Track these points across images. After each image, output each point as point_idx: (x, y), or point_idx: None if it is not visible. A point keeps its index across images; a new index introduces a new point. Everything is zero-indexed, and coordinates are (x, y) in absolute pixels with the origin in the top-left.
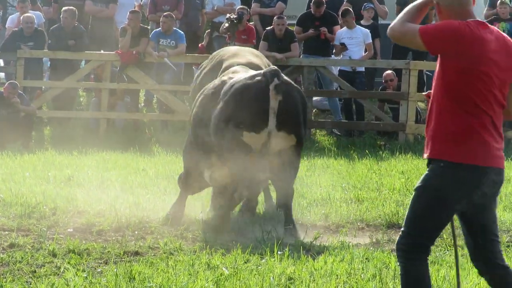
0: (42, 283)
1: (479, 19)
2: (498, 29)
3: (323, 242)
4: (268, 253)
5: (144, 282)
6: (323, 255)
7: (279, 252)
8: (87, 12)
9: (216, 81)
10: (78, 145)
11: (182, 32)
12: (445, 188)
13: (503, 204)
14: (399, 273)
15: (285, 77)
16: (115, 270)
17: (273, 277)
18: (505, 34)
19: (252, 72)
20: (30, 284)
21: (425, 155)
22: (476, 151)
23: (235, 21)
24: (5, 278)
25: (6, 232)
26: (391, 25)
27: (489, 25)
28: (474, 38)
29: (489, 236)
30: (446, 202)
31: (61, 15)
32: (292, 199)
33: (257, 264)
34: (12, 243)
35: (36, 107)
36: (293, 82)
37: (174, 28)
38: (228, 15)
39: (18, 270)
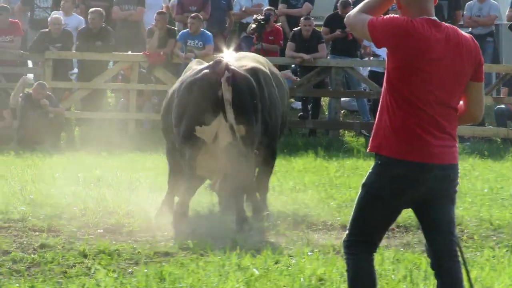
0: (73, 283)
1: (434, 18)
2: (458, 30)
3: None
4: (299, 254)
5: (175, 283)
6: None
7: (309, 253)
8: (115, 19)
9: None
10: (106, 146)
11: (209, 33)
12: (380, 185)
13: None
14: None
15: (234, 67)
16: (146, 270)
17: (303, 278)
18: (466, 35)
19: (202, 66)
20: (61, 284)
21: (368, 149)
22: (412, 147)
23: (262, 22)
24: (36, 278)
25: (37, 233)
26: (348, 13)
27: (444, 24)
28: (415, 36)
29: (441, 234)
30: (382, 198)
31: (89, 16)
32: (240, 191)
33: (287, 265)
34: (43, 244)
35: (65, 108)
36: (242, 72)
37: (202, 29)
38: (255, 16)
39: (49, 270)
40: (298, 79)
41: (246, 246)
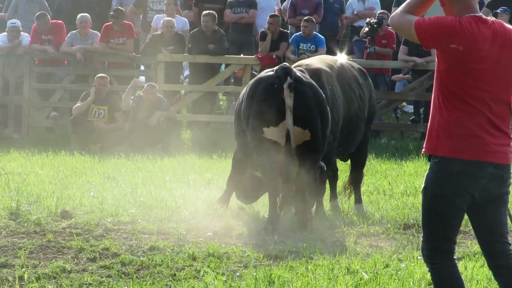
0: (182, 286)
1: (479, 14)
2: (503, 24)
3: (464, 248)
4: (408, 258)
5: (284, 286)
6: (463, 260)
7: (419, 257)
8: (227, 21)
9: None
10: (218, 148)
11: (322, 37)
12: (440, 184)
13: None
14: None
15: (297, 74)
16: (255, 273)
17: (412, 282)
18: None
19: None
20: (170, 287)
21: (422, 151)
22: (466, 146)
23: (375, 26)
24: (145, 281)
25: (147, 236)
26: (391, 14)
27: (491, 20)
28: (462, 36)
29: (492, 235)
30: (444, 197)
31: (202, 19)
32: (303, 194)
33: (396, 269)
34: (152, 246)
35: (176, 111)
36: (305, 78)
37: (314, 32)
38: (368, 19)
39: (158, 273)
40: (410, 76)
41: (355, 250)
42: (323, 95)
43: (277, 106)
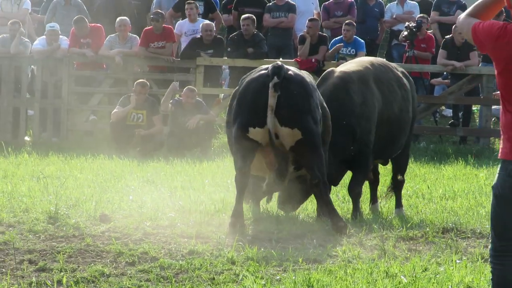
0: None
1: None
2: None
3: None
4: (447, 262)
5: None
6: None
7: (457, 261)
8: (266, 26)
9: None
10: None
11: (362, 41)
12: (501, 184)
13: None
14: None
15: (289, 71)
16: (294, 277)
17: (451, 286)
18: None
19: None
20: None
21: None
22: None
23: (414, 29)
24: (184, 285)
25: (186, 239)
26: (459, 16)
27: None
28: (505, 40)
29: None
30: (506, 198)
31: (241, 23)
32: (323, 194)
33: (435, 273)
34: (191, 250)
35: (215, 115)
36: (297, 74)
37: (354, 36)
38: (407, 23)
39: (197, 277)
40: (449, 81)
41: (394, 253)
42: (314, 92)
43: (265, 107)
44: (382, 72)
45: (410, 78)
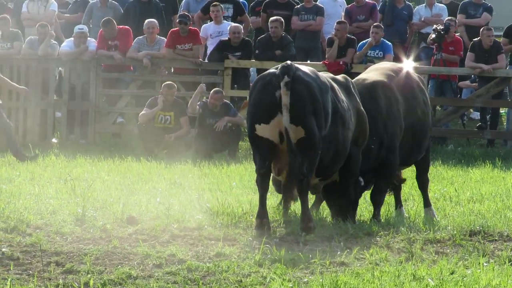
0: None
1: None
2: None
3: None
4: (474, 265)
5: None
6: None
7: (485, 264)
8: (294, 28)
9: None
10: None
11: (389, 43)
12: None
13: None
14: None
15: (298, 72)
16: (321, 280)
17: None
18: None
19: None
20: None
21: None
22: None
23: (442, 32)
24: (211, 287)
25: (213, 242)
26: None
27: None
28: None
29: None
30: None
31: (270, 25)
32: (303, 192)
33: (462, 276)
34: (218, 253)
35: (243, 117)
36: (306, 77)
37: (382, 39)
38: (435, 26)
39: (224, 279)
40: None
41: (421, 256)
42: (321, 95)
43: (269, 104)
44: (404, 78)
45: (425, 83)
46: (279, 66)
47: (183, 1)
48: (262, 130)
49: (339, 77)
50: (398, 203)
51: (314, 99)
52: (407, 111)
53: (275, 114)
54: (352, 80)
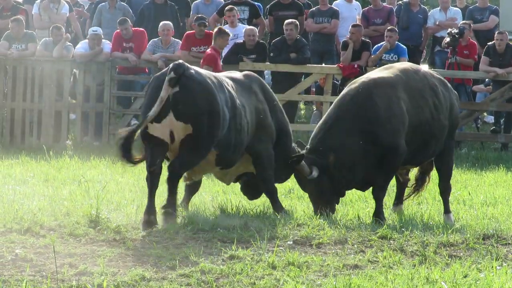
0: None
1: None
2: None
3: None
4: (487, 268)
5: None
6: None
7: (498, 267)
8: (309, 31)
9: None
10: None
11: (404, 47)
12: None
13: None
14: None
15: (192, 71)
16: (334, 283)
17: None
18: None
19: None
20: None
21: None
22: None
23: (456, 36)
24: None
25: (226, 244)
26: None
27: None
28: None
29: None
30: None
31: (285, 28)
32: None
33: (475, 279)
34: (232, 255)
35: None
36: (200, 77)
37: (397, 42)
38: (449, 29)
39: (238, 282)
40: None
41: (435, 260)
42: (212, 94)
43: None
44: (415, 79)
45: (449, 85)
46: (172, 64)
47: (193, 5)
48: (154, 129)
49: (241, 75)
50: (398, 200)
51: (208, 99)
52: (413, 111)
53: (166, 114)
54: (359, 78)
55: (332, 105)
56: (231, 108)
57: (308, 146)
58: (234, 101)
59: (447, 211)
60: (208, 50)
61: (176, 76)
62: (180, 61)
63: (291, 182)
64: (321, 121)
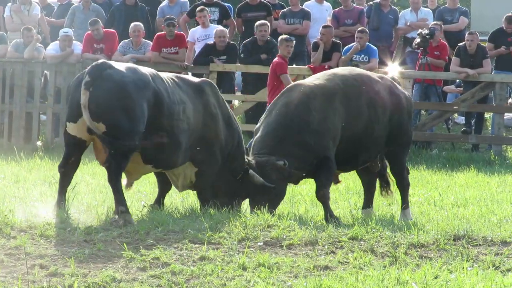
0: None
1: None
2: None
3: None
4: (458, 269)
5: None
6: None
7: (469, 268)
8: (280, 32)
9: None
10: None
11: (374, 47)
12: None
13: None
14: None
15: (111, 71)
16: (305, 284)
17: None
18: None
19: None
20: None
21: None
22: None
23: (427, 37)
24: None
25: (197, 245)
26: None
27: None
28: None
29: None
30: None
31: (257, 29)
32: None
33: (446, 280)
34: (202, 256)
35: None
36: (117, 72)
37: (367, 43)
38: (420, 30)
39: (208, 283)
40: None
41: (405, 260)
42: (132, 92)
43: (77, 103)
44: (354, 87)
45: (400, 89)
46: (92, 64)
47: (158, 9)
48: (72, 128)
49: (173, 75)
50: (367, 204)
51: (121, 97)
52: (347, 121)
53: (81, 113)
54: (296, 83)
55: (275, 111)
56: (165, 104)
57: (260, 152)
58: (167, 98)
59: (405, 206)
60: (276, 59)
61: (90, 80)
62: (100, 61)
63: None
64: (269, 128)
